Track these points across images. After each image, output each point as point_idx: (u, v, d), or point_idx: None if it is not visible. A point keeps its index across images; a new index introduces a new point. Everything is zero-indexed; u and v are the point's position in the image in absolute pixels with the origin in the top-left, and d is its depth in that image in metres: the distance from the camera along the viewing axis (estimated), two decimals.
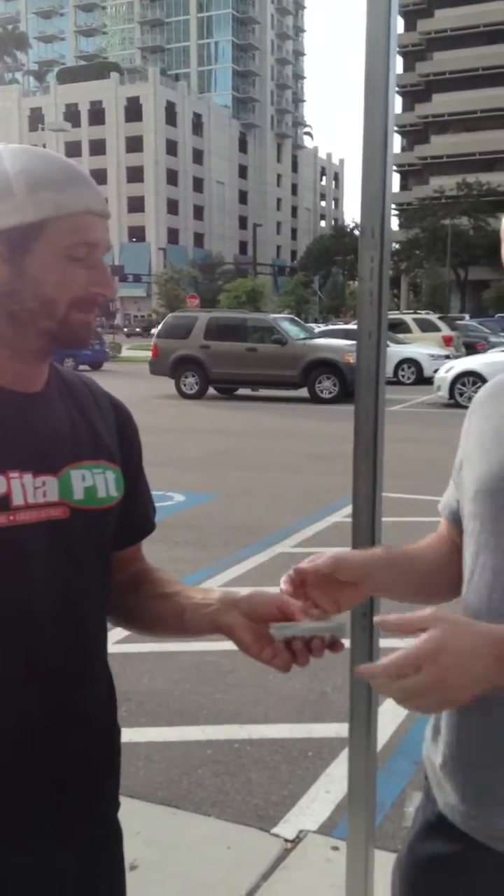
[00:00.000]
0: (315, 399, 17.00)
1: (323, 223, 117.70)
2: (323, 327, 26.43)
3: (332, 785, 3.05)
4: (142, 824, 2.76)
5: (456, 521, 1.27)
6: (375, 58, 1.65)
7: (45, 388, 1.18)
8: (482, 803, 1.11)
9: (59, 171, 1.10)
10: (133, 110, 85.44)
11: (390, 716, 3.44)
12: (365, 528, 1.83)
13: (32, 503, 1.10)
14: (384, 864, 2.15)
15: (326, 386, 17.05)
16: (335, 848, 2.65)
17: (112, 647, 1.28)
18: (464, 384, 15.05)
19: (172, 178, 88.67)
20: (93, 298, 1.12)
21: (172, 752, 3.32)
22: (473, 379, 14.72)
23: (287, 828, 2.81)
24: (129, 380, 21.13)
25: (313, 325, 29.57)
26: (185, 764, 3.23)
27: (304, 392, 17.29)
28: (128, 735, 3.38)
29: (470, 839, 1.13)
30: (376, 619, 0.97)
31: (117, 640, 4.40)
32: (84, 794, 1.18)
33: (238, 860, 2.64)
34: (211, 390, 18.28)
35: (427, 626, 0.94)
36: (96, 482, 1.18)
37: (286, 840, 2.74)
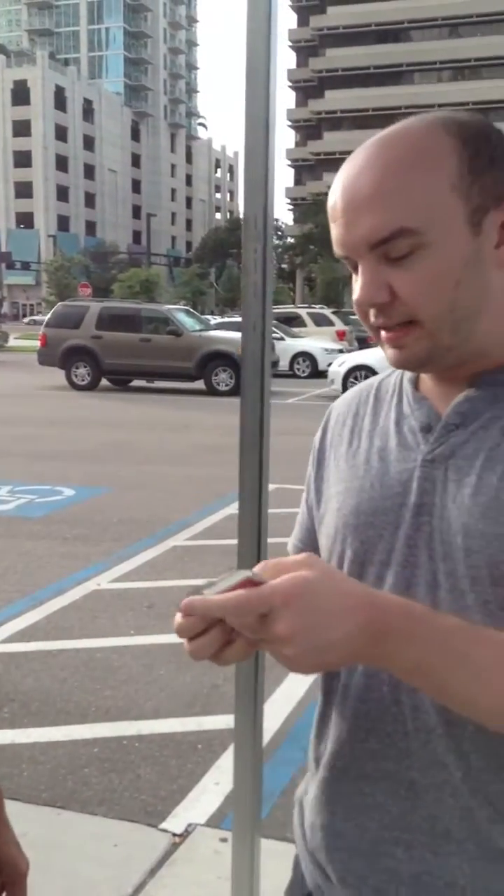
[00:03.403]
0: (212, 391, 16.97)
1: (218, 215, 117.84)
2: (219, 319, 26.45)
3: (221, 777, 3.05)
4: (27, 827, 2.65)
5: None
6: (256, 41, 1.63)
7: None
8: None
9: None
10: (20, 94, 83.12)
11: (279, 706, 3.47)
12: (250, 519, 1.82)
13: None
14: (272, 853, 2.16)
15: (223, 378, 17.04)
16: (224, 840, 2.64)
17: None
18: (356, 378, 15.43)
19: (62, 164, 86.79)
20: None
21: (58, 751, 3.24)
22: (366, 372, 15.15)
23: (176, 822, 2.79)
24: (17, 371, 20.60)
25: (209, 316, 29.55)
26: (71, 763, 3.16)
27: (200, 384, 17.25)
28: (11, 737, 3.33)
29: None
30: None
31: (1, 639, 4.28)
32: None
33: (125, 857, 2.60)
34: (104, 382, 18.02)
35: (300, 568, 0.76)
36: None
37: (174, 834, 2.71)
